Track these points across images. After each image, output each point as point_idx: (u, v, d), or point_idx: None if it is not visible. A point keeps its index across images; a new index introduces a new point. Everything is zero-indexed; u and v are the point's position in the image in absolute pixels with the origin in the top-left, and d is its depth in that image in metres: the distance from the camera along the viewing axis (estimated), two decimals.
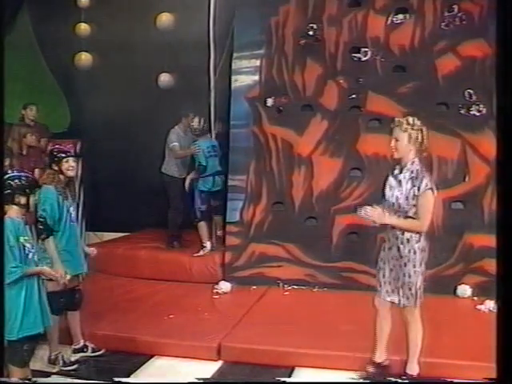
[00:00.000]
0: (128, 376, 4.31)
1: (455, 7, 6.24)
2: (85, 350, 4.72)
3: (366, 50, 6.43)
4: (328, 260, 6.19)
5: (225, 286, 6.19)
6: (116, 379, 4.26)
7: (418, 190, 3.73)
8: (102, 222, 7.51)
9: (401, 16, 6.38)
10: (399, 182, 3.86)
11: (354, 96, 6.47)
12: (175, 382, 4.25)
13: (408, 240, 3.83)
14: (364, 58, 6.46)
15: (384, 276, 4.00)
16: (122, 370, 4.41)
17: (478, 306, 5.56)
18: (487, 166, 6.03)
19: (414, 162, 3.83)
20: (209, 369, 4.45)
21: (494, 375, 3.75)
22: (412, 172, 3.81)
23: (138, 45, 7.80)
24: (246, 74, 6.74)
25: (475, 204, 6.10)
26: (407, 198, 3.79)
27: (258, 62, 6.69)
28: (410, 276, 3.84)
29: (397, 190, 3.86)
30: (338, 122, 6.40)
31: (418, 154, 3.86)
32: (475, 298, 5.79)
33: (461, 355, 4.31)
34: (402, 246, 3.85)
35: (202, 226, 6.65)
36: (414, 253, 3.82)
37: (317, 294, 5.99)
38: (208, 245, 6.63)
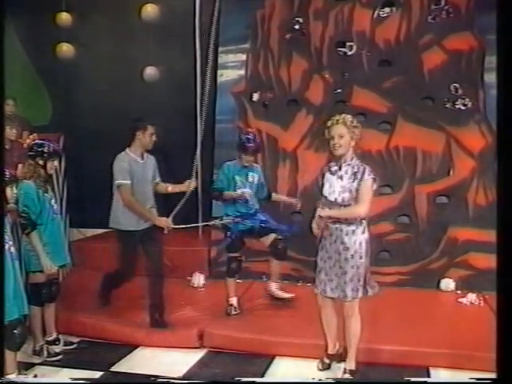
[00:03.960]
0: (112, 366, 4.61)
1: (442, 0, 6.53)
2: (57, 342, 4.94)
3: (352, 44, 6.70)
4: (313, 254, 6.31)
5: (197, 280, 6.44)
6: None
7: (360, 180, 3.95)
8: (85, 218, 7.63)
9: (387, 9, 6.69)
10: (340, 177, 4.05)
11: (339, 90, 6.74)
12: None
13: (353, 231, 4.00)
14: (349, 53, 6.73)
15: (327, 274, 4.11)
16: (106, 360, 4.70)
17: (460, 299, 5.80)
18: (472, 159, 6.30)
19: (353, 157, 4.07)
20: (192, 358, 4.76)
21: (468, 364, 4.26)
22: (353, 167, 4.03)
23: (122, 36, 7.93)
24: (232, 69, 7.02)
25: (460, 198, 6.33)
26: (350, 191, 3.99)
27: (243, 57, 6.96)
28: (358, 267, 3.98)
29: (338, 186, 4.04)
30: (323, 116, 6.35)
31: (355, 150, 4.12)
32: (458, 292, 6.03)
33: (434, 344, 4.57)
34: (346, 238, 3.99)
35: (231, 281, 5.57)
36: (360, 244, 3.99)
37: (300, 288, 6.10)
38: (235, 301, 5.56)
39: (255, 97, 6.95)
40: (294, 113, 6.83)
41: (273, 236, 5.50)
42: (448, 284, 6.20)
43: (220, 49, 7.02)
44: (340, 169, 4.07)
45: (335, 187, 4.06)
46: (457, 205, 6.35)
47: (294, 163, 6.77)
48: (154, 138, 5.09)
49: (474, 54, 6.32)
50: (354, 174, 4.01)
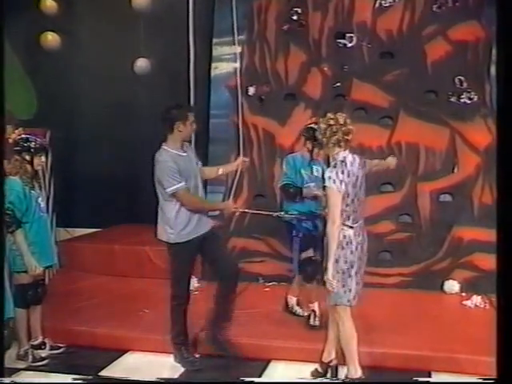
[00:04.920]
0: (101, 370, 4.56)
1: None
2: (42, 347, 4.85)
3: (352, 35, 6.64)
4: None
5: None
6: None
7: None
8: (73, 217, 7.59)
9: None
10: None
11: (338, 84, 6.67)
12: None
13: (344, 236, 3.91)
14: (349, 44, 6.66)
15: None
16: (94, 364, 4.65)
17: (464, 302, 5.74)
18: (477, 156, 6.24)
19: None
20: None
21: (473, 369, 4.26)
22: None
23: (111, 25, 7.79)
24: (227, 61, 6.94)
25: (464, 196, 6.27)
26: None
27: (238, 49, 6.85)
28: (343, 273, 3.88)
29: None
30: (321, 111, 6.14)
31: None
32: (463, 294, 5.97)
33: (437, 348, 4.53)
34: (331, 241, 3.88)
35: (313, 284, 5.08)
36: (343, 248, 3.87)
37: None
38: (316, 307, 5.10)
39: (251, 91, 6.88)
40: (292, 107, 6.76)
41: (310, 252, 5.00)
42: (452, 286, 6.16)
43: (214, 40, 6.98)
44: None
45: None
46: (461, 203, 6.31)
47: None
48: (194, 126, 4.50)
49: (480, 45, 6.25)
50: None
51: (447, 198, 6.40)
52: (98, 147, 7.91)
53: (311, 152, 5.01)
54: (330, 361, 4.27)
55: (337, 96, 6.69)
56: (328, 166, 4.02)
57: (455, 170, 6.37)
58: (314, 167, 5.02)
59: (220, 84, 6.95)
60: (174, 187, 4.30)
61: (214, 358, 4.66)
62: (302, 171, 5.00)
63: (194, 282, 6.13)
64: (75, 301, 5.70)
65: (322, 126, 3.92)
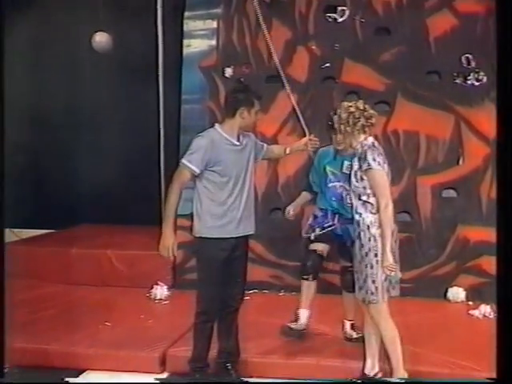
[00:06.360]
0: None
1: None
2: None
3: (344, 8, 6.46)
4: (296, 259, 6.01)
5: (159, 292, 6.17)
6: None
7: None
8: (19, 216, 7.33)
9: None
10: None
11: (328, 65, 6.51)
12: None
13: (368, 226, 3.98)
14: (341, 19, 6.48)
15: (352, 273, 4.19)
16: None
17: (471, 311, 5.63)
18: (486, 145, 6.05)
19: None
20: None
21: None
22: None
23: None
24: (201, 38, 6.76)
25: (471, 191, 6.16)
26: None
27: (214, 24, 6.71)
28: (372, 267, 3.96)
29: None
30: (308, 95, 6.42)
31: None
32: (470, 303, 5.85)
33: (440, 363, 4.44)
34: (362, 234, 4.00)
35: (309, 285, 4.90)
36: (375, 240, 3.95)
37: (283, 298, 5.95)
38: (304, 315, 4.90)
39: (228, 72, 6.66)
40: (275, 91, 6.54)
41: (346, 264, 4.70)
42: (457, 293, 6.02)
43: (186, 14, 6.76)
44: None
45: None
46: (467, 199, 6.18)
47: None
48: (259, 115, 4.25)
49: (491, 19, 6.00)
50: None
51: (451, 193, 6.25)
52: (50, 138, 7.88)
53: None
54: (376, 374, 4.25)
55: (326, 78, 6.54)
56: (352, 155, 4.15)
57: (460, 161, 6.23)
58: (346, 162, 4.61)
59: (193, 64, 6.73)
60: (187, 163, 4.04)
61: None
62: (328, 168, 4.80)
63: (164, 291, 6.26)
64: (23, 314, 5.48)
65: (343, 115, 4.03)
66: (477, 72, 6.15)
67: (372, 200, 3.96)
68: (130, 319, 5.39)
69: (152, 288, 6.22)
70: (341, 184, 4.68)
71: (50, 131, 7.82)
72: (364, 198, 3.98)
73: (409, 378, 4.10)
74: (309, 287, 4.81)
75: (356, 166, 4.03)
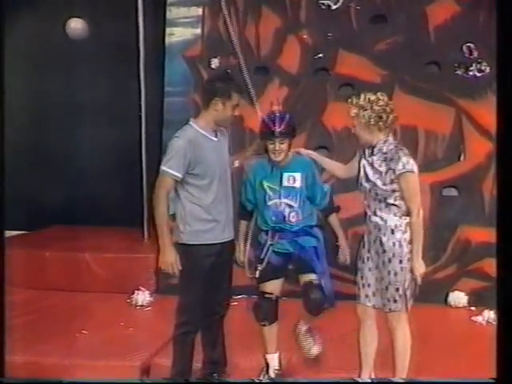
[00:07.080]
0: None
1: None
2: None
3: None
4: None
5: (141, 297, 6.06)
6: None
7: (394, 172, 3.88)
8: None
9: None
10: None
11: (320, 55, 6.46)
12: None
13: (393, 231, 3.90)
14: (334, 6, 6.42)
15: (363, 278, 4.07)
16: None
17: (474, 318, 5.57)
18: (489, 141, 5.95)
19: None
20: None
21: None
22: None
23: None
24: (185, 26, 6.71)
25: (473, 190, 6.11)
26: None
27: (199, 11, 6.67)
28: (396, 274, 3.90)
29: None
30: (300, 88, 6.37)
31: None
32: (472, 308, 5.81)
33: (441, 372, 4.39)
34: (385, 239, 3.92)
35: (269, 329, 4.42)
36: (400, 246, 3.90)
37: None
38: (275, 361, 4.45)
39: (214, 63, 6.59)
40: (264, 84, 6.49)
41: (309, 277, 4.29)
42: (459, 298, 5.95)
43: (169, 0, 6.70)
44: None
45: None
46: (469, 198, 6.12)
47: None
48: (236, 111, 4.03)
49: (494, 5, 5.63)
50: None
51: (452, 191, 6.21)
52: (22, 137, 7.67)
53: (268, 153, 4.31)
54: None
55: (318, 70, 6.48)
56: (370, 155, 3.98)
57: (462, 158, 6.18)
58: (286, 174, 4.25)
59: (176, 54, 6.69)
60: (168, 169, 3.87)
61: None
62: (265, 183, 4.28)
63: (146, 296, 6.19)
64: None
65: (376, 107, 3.86)
66: (479, 62, 6.09)
67: (398, 203, 3.86)
68: (109, 327, 5.33)
69: (133, 293, 6.14)
70: (281, 200, 4.23)
71: (21, 127, 7.65)
72: (391, 200, 3.87)
73: (409, 378, 4.07)
74: (270, 330, 4.37)
75: (383, 167, 3.85)
